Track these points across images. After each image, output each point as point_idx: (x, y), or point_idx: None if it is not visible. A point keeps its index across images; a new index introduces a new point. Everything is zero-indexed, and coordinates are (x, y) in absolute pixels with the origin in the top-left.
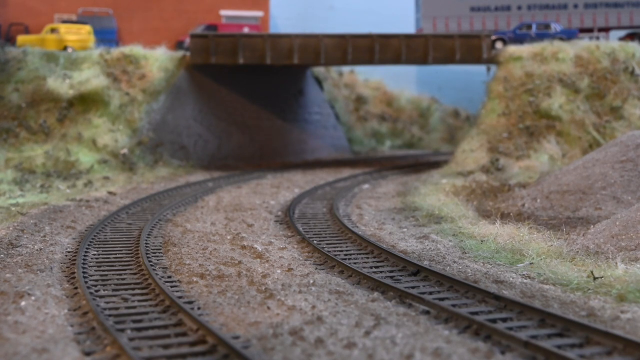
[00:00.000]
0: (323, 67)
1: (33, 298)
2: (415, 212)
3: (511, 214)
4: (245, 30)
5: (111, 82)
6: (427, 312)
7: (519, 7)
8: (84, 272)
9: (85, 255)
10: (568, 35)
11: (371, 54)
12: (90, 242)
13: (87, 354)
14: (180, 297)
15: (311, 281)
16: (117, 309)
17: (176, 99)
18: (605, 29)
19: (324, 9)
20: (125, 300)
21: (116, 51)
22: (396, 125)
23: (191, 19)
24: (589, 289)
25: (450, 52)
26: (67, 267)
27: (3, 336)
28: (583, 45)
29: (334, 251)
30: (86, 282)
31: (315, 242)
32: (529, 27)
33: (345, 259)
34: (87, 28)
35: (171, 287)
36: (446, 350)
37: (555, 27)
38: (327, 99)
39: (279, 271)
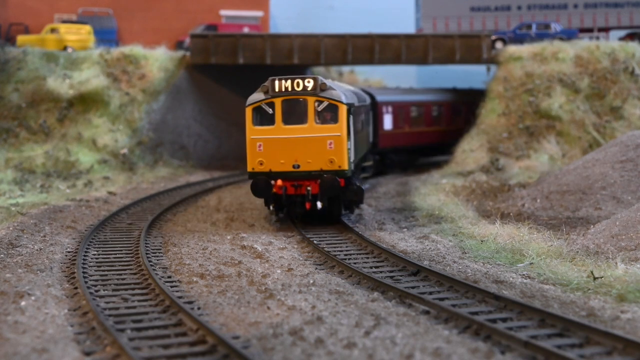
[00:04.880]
0: (323, 67)
1: (33, 298)
2: (415, 212)
3: (511, 214)
4: (245, 30)
5: (111, 82)
6: (427, 312)
7: (519, 7)
8: (84, 272)
9: (85, 255)
10: (568, 35)
11: (371, 54)
12: (90, 242)
13: (87, 354)
14: (180, 297)
15: (311, 281)
16: (117, 309)
17: (176, 99)
18: (605, 29)
19: (324, 9)
20: (125, 300)
21: (116, 51)
22: None
23: (191, 19)
24: (589, 289)
25: (450, 52)
26: (67, 267)
27: (3, 336)
28: (583, 45)
29: (334, 251)
30: (86, 282)
31: (315, 242)
32: (529, 27)
33: (345, 259)
34: (87, 28)
35: (171, 287)
36: (446, 350)
37: (555, 27)
38: None
39: (279, 271)
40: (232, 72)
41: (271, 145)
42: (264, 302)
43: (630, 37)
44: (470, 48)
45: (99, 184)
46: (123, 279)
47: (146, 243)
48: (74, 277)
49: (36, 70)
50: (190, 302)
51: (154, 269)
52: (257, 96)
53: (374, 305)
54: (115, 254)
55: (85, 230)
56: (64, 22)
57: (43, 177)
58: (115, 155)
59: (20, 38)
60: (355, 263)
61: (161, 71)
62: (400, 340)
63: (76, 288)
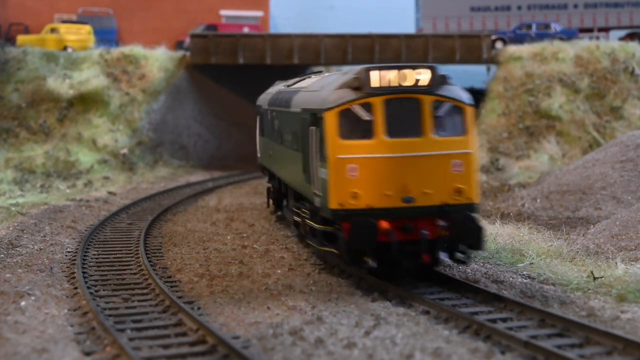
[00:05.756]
0: (323, 67)
1: (33, 298)
2: None
3: (511, 214)
4: (245, 30)
5: (111, 82)
6: (427, 312)
7: (519, 7)
8: (84, 272)
9: (85, 255)
10: (568, 35)
11: (371, 54)
12: (90, 242)
13: (87, 354)
14: (180, 297)
15: (311, 281)
16: (117, 309)
17: (176, 99)
18: (605, 29)
19: (324, 9)
20: (126, 300)
21: (116, 51)
22: None
23: (191, 19)
24: (589, 289)
25: (450, 52)
26: (67, 267)
27: (3, 336)
28: (583, 45)
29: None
30: (86, 282)
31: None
32: (529, 27)
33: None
34: (87, 28)
35: (171, 287)
36: (446, 350)
37: (555, 27)
38: None
39: (279, 271)
40: (232, 72)
41: (372, 168)
42: (264, 302)
43: (630, 37)
44: (470, 48)
45: (99, 184)
46: (123, 279)
47: (146, 243)
48: (74, 277)
49: (36, 70)
50: (190, 302)
51: (154, 269)
52: (341, 94)
53: (374, 305)
54: (115, 254)
55: (85, 230)
56: (64, 22)
57: (43, 177)
58: (115, 155)
59: (20, 38)
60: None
61: (161, 71)
62: (400, 340)
63: (76, 288)
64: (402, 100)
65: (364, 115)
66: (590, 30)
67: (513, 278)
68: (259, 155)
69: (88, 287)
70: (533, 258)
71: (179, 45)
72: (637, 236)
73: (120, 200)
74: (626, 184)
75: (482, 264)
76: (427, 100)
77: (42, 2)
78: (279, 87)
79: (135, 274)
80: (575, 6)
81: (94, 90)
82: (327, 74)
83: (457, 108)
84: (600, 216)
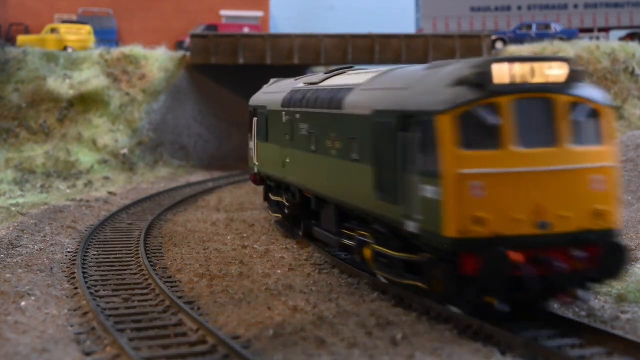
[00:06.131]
0: (323, 67)
1: (33, 298)
2: None
3: None
4: (245, 30)
5: (111, 82)
6: (427, 312)
7: (519, 7)
8: (83, 272)
9: (85, 255)
10: (568, 35)
11: (371, 54)
12: (90, 242)
13: (87, 354)
14: (180, 297)
15: (311, 281)
16: (117, 309)
17: (176, 99)
18: (605, 29)
19: (324, 9)
20: (125, 300)
21: (116, 51)
22: None
23: (191, 19)
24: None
25: (450, 52)
26: (67, 267)
27: (3, 336)
28: (583, 45)
29: (335, 251)
30: (86, 282)
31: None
32: (529, 27)
33: (345, 259)
34: (87, 28)
35: (171, 287)
36: (446, 350)
37: (555, 27)
38: None
39: (279, 271)
40: (232, 72)
41: (500, 186)
42: (265, 302)
43: (630, 37)
44: (470, 48)
45: (99, 184)
46: (123, 279)
47: (146, 243)
48: (74, 277)
49: (36, 70)
50: (190, 302)
51: (154, 269)
52: (458, 92)
53: (374, 305)
54: (115, 254)
55: (85, 230)
56: (64, 22)
57: (43, 177)
58: (115, 155)
59: (20, 38)
60: (355, 263)
61: (161, 71)
62: (401, 340)
63: (76, 288)
64: (531, 100)
65: (487, 119)
66: (590, 30)
67: None
68: (256, 163)
69: (88, 287)
70: None
71: (179, 45)
72: (637, 236)
73: (120, 200)
74: (626, 184)
75: None
76: (562, 101)
77: (42, 2)
78: (289, 84)
79: (135, 274)
80: (575, 6)
81: (94, 90)
82: (391, 69)
83: (594, 111)
84: None
